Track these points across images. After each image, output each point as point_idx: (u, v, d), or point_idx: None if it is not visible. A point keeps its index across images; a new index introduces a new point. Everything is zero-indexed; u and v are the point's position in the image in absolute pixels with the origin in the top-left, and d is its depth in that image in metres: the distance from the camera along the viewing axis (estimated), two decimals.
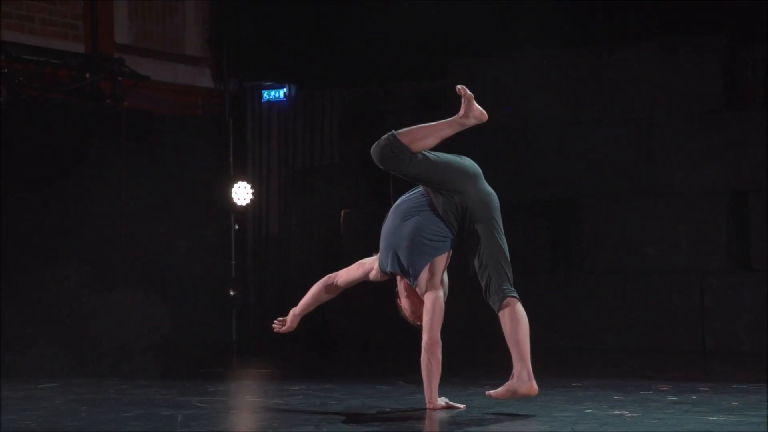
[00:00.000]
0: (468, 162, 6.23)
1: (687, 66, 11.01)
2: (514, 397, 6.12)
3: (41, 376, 8.59)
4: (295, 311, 6.56)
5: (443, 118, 12.35)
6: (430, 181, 6.14)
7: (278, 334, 6.67)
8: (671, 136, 11.00)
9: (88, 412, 6.46)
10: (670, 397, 6.79)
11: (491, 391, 6.18)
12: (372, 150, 6.22)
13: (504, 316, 6.03)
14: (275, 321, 6.63)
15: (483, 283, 6.11)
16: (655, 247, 10.95)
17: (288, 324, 6.57)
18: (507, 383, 6.10)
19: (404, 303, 6.30)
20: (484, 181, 6.21)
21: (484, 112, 6.20)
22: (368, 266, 6.39)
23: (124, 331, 11.37)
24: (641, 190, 11.12)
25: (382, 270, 6.29)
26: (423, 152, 6.18)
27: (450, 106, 11.96)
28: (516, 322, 6.02)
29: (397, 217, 6.23)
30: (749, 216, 10.73)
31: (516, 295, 6.07)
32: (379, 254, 6.30)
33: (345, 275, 6.48)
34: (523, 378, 6.03)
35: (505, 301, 6.02)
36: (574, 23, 11.53)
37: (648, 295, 10.90)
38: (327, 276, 6.56)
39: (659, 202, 11.02)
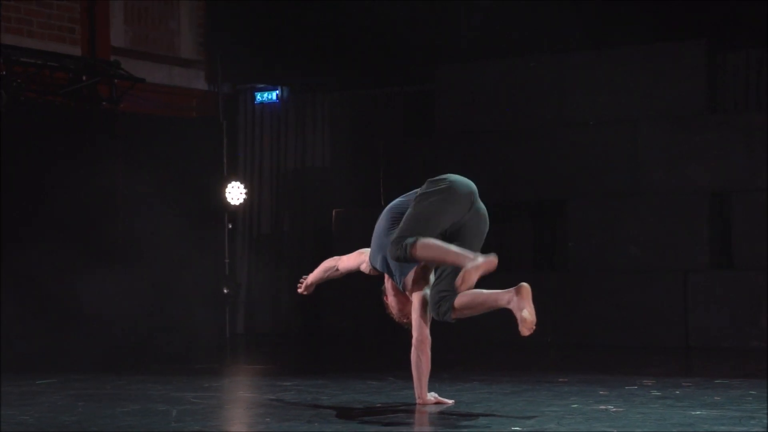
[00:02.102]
0: (461, 189, 6.09)
1: (670, 70, 11.09)
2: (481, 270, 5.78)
3: (39, 371, 8.58)
4: (308, 279, 6.69)
5: (431, 120, 12.54)
6: None
7: (301, 294, 6.78)
8: (655, 137, 11.06)
9: (85, 407, 6.43)
10: (654, 392, 6.81)
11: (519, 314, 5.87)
12: (389, 251, 6.02)
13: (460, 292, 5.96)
14: (301, 279, 6.75)
15: (436, 293, 6.09)
16: (640, 246, 11.01)
17: (304, 288, 6.72)
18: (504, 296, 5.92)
19: (391, 301, 6.33)
20: (478, 197, 6.14)
21: (494, 261, 5.79)
22: (364, 257, 6.42)
23: (120, 328, 11.40)
24: (626, 190, 11.18)
25: (372, 265, 6.33)
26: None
27: (438, 109, 12.17)
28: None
29: (389, 220, 6.22)
30: (731, 215, 10.83)
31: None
32: (370, 250, 6.35)
33: (345, 262, 6.54)
34: (471, 263, 5.78)
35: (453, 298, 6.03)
36: (560, 29, 11.61)
37: (632, 293, 10.95)
38: (333, 258, 6.64)
39: (643, 202, 11.08)
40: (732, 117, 10.99)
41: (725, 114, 11.19)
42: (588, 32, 11.45)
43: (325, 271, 6.64)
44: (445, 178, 6.14)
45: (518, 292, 5.88)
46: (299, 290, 6.76)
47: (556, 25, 11.56)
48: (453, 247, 5.85)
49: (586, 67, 11.52)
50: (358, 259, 6.49)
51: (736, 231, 10.78)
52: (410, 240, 5.88)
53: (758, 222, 10.62)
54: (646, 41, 11.26)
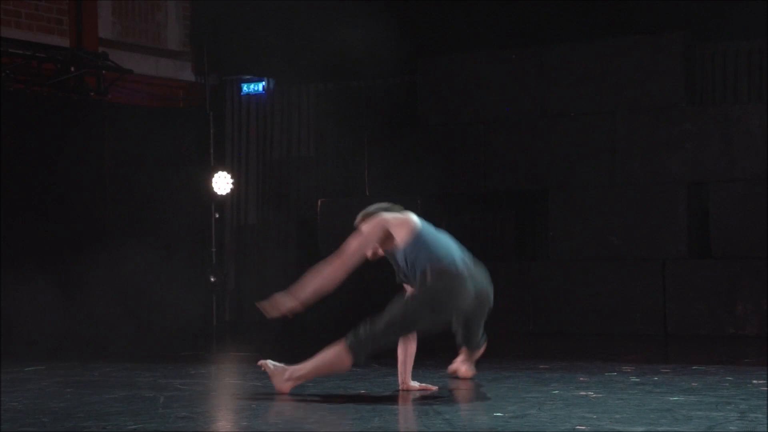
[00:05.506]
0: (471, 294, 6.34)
1: (648, 62, 11.11)
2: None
3: (28, 357, 8.60)
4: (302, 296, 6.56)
5: (414, 111, 12.50)
6: None
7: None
8: (633, 129, 11.11)
9: (73, 393, 6.44)
10: (633, 379, 6.87)
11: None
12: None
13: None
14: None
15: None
16: (619, 236, 11.06)
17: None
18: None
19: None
20: (487, 285, 6.49)
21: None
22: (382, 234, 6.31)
23: (108, 315, 11.47)
24: (605, 180, 11.21)
25: (404, 259, 6.26)
26: None
27: (421, 100, 12.23)
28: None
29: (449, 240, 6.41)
30: (708, 205, 10.88)
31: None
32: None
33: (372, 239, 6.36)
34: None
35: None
36: (540, 21, 11.64)
37: (612, 282, 11.01)
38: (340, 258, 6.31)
39: (622, 192, 11.12)
40: (710, 108, 11.02)
41: (703, 105, 11.23)
42: (568, 24, 11.47)
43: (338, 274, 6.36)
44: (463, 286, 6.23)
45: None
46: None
47: (536, 17, 11.60)
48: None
49: (566, 59, 11.53)
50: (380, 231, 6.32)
51: (713, 221, 10.84)
52: (350, 341, 6.19)
53: (735, 212, 10.69)
54: (625, 33, 11.28)
